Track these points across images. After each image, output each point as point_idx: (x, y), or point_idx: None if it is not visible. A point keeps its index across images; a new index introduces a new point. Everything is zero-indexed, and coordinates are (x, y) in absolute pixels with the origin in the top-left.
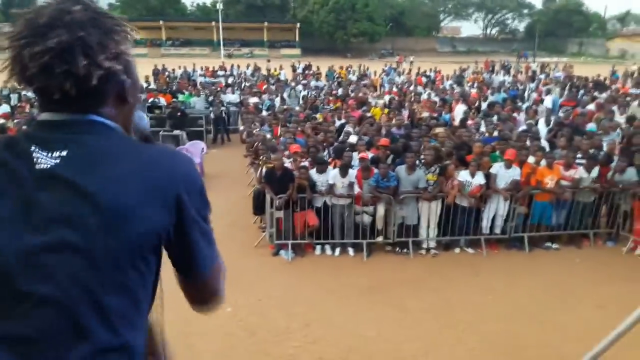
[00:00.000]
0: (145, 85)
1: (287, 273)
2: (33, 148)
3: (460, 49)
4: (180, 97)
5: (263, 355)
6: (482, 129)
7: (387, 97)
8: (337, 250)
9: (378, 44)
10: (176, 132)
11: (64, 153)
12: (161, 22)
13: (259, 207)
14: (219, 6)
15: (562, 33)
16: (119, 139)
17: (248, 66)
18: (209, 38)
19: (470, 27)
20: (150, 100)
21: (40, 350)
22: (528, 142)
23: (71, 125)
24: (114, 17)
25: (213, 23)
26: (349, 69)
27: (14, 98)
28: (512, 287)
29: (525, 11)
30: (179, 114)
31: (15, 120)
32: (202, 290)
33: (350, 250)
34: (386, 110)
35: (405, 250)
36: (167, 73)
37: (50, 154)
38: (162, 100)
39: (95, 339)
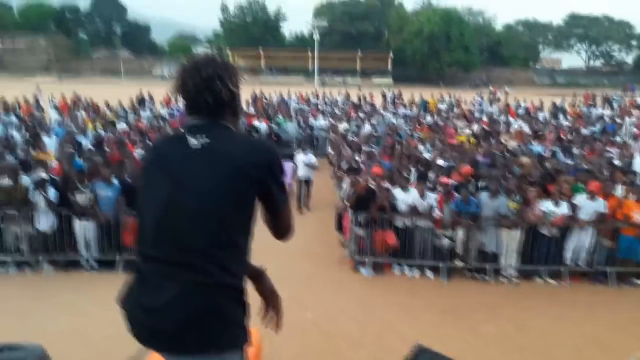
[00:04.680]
0: (245, 109)
1: (364, 288)
2: (188, 137)
3: (560, 81)
4: (276, 120)
5: (337, 359)
6: (569, 160)
7: (475, 127)
8: (416, 272)
9: (472, 73)
10: None
11: (207, 139)
12: (261, 51)
13: (341, 224)
14: (316, 36)
15: None
16: (235, 132)
17: (339, 94)
18: (304, 66)
19: (572, 59)
20: (253, 123)
21: (179, 272)
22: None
23: (208, 125)
24: (234, 66)
25: (309, 52)
26: (440, 98)
27: (131, 117)
28: (590, 319)
29: (634, 43)
30: (274, 137)
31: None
32: (280, 222)
33: (429, 273)
34: (472, 139)
35: (485, 276)
36: (264, 99)
37: (198, 139)
38: (262, 124)
39: (210, 271)
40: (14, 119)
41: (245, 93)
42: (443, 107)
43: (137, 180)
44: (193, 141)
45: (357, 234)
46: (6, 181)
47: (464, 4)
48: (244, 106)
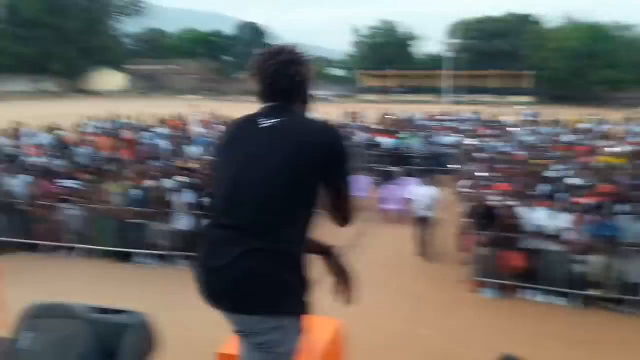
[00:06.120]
0: (370, 125)
1: (487, 311)
2: (258, 118)
3: None
4: (400, 136)
5: None
6: None
7: (622, 147)
8: (545, 297)
9: (624, 92)
10: (392, 168)
11: (276, 120)
12: (392, 71)
13: (464, 242)
14: (449, 54)
15: None
16: (303, 116)
17: (471, 112)
18: (436, 85)
19: None
20: (376, 138)
21: (241, 237)
22: None
23: (279, 108)
24: (307, 55)
25: (441, 71)
26: (582, 117)
27: None
28: None
29: None
30: (397, 152)
31: None
32: (340, 206)
33: (560, 299)
34: (618, 160)
35: (627, 309)
36: (392, 116)
37: (268, 120)
38: (385, 140)
39: (269, 236)
40: (164, 131)
41: (374, 112)
42: (585, 126)
43: (213, 156)
44: (263, 121)
45: (480, 254)
46: (151, 183)
47: (613, 18)
48: (371, 124)
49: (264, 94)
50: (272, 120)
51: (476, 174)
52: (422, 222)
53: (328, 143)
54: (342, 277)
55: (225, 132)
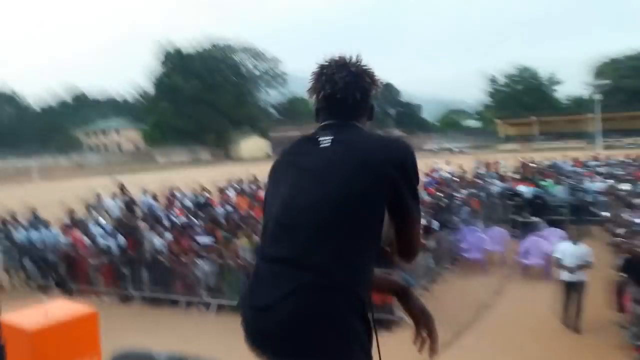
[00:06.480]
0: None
1: None
2: (319, 136)
3: None
4: (542, 184)
5: None
6: None
7: None
8: None
9: None
10: (533, 219)
11: (340, 137)
12: (533, 118)
13: (620, 301)
14: (596, 96)
15: None
16: (367, 132)
17: (626, 156)
18: (584, 130)
19: None
20: (516, 187)
21: (291, 270)
22: None
23: (340, 125)
24: (374, 74)
25: (589, 114)
26: None
27: None
28: None
29: None
30: (538, 201)
31: None
32: (406, 234)
33: None
34: None
35: None
36: (533, 164)
37: (329, 137)
38: (525, 189)
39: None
40: None
41: (515, 161)
42: None
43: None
44: (323, 139)
45: (638, 314)
46: None
47: None
48: (510, 172)
49: (331, 109)
50: (335, 138)
51: (632, 221)
52: (570, 287)
53: (395, 159)
54: (423, 322)
55: (281, 154)
